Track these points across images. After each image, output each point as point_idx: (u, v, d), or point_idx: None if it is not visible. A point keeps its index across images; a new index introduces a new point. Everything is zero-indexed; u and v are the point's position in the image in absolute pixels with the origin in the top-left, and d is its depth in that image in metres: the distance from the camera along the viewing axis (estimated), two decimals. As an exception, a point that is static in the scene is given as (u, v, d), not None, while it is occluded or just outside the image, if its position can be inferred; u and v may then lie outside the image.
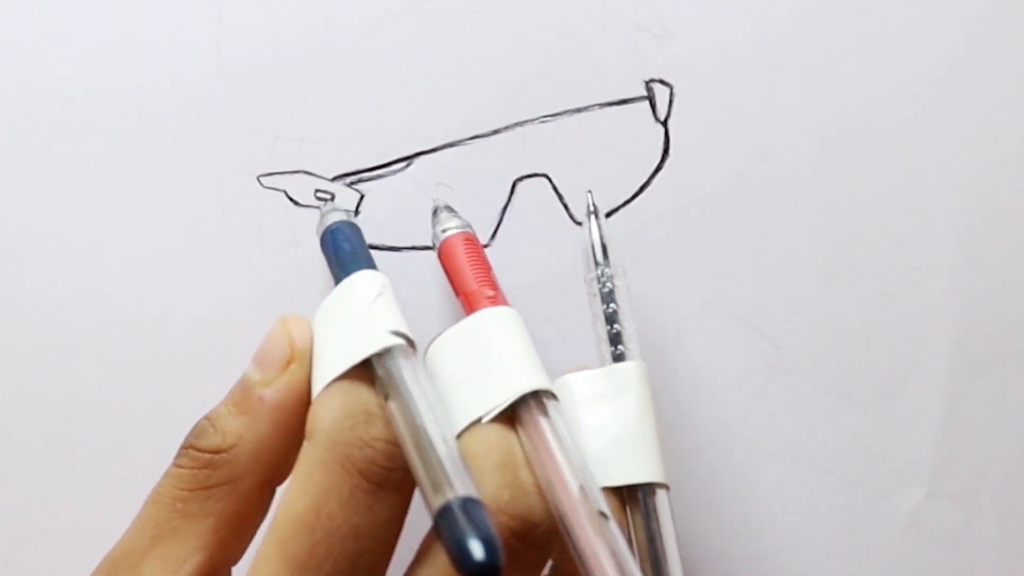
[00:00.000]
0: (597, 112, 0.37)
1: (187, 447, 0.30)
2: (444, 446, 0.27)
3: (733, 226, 0.37)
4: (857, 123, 0.38)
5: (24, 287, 0.36)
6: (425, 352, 0.32)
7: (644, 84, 0.37)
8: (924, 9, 0.38)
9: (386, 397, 0.28)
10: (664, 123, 0.37)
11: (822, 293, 0.37)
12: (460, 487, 0.25)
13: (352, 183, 0.37)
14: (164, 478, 0.30)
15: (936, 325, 0.38)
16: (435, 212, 0.35)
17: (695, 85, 0.37)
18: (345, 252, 0.33)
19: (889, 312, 0.38)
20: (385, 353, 0.29)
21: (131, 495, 0.36)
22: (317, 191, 0.36)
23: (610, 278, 0.33)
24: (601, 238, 0.34)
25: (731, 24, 0.37)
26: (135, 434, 0.36)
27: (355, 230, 0.34)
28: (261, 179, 0.37)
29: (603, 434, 0.31)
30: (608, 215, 0.37)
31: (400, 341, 0.29)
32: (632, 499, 0.31)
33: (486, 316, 0.31)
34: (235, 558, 0.31)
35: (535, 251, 0.37)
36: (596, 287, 0.33)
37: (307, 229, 0.36)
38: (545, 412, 0.29)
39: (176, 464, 0.30)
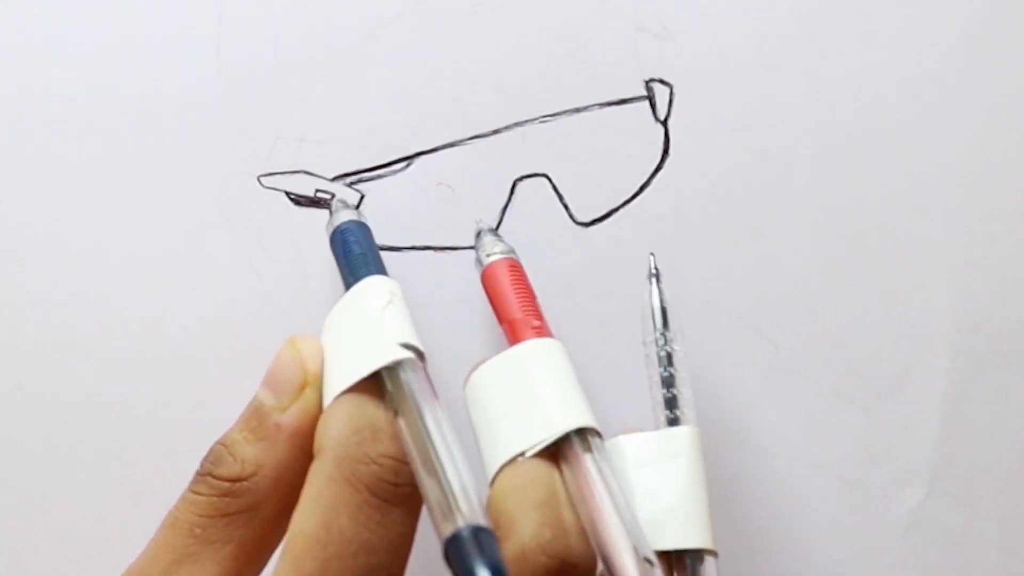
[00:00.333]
0: (597, 112, 0.37)
1: (205, 474, 0.29)
2: (453, 466, 0.26)
3: (733, 226, 0.37)
4: (857, 123, 0.38)
5: (24, 287, 0.36)
6: (467, 380, 0.31)
7: (644, 84, 0.37)
8: (924, 9, 0.38)
9: (395, 413, 0.28)
10: (664, 123, 0.37)
11: (822, 293, 0.37)
12: (470, 514, 0.25)
13: (352, 183, 0.37)
14: (181, 503, 0.30)
15: (936, 325, 0.38)
16: (478, 235, 0.35)
17: (695, 85, 0.37)
18: (355, 255, 0.32)
19: (889, 312, 0.38)
20: (395, 366, 0.29)
21: (131, 495, 0.36)
22: (317, 191, 0.36)
23: (669, 342, 0.33)
24: (662, 303, 0.33)
25: (731, 24, 0.37)
26: (135, 434, 0.36)
27: (365, 231, 0.34)
28: (261, 179, 0.37)
29: (654, 497, 0.30)
30: (608, 215, 0.37)
31: (409, 354, 0.29)
32: (680, 565, 0.30)
33: (532, 347, 0.31)
34: None
35: (535, 251, 0.37)
36: (654, 350, 0.33)
37: (307, 229, 0.36)
38: (590, 450, 0.29)
39: (193, 491, 0.29)
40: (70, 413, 0.36)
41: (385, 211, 0.36)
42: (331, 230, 0.34)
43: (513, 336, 0.32)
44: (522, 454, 0.29)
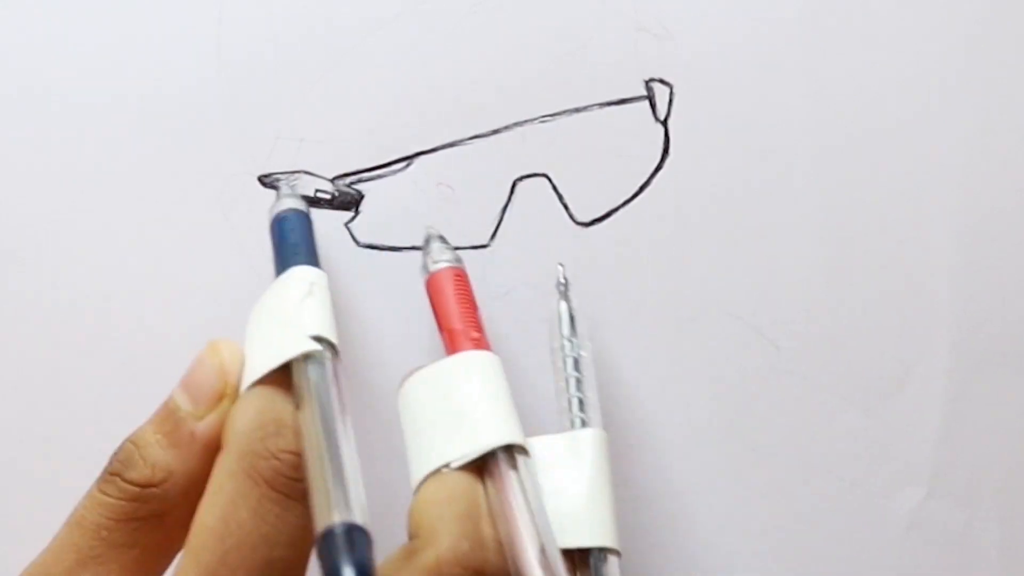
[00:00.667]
0: (597, 112, 0.37)
1: (114, 474, 0.29)
2: (338, 463, 0.26)
3: (733, 226, 0.37)
4: (857, 123, 0.38)
5: (24, 287, 0.36)
6: (400, 386, 0.31)
7: (644, 84, 0.37)
8: (924, 9, 0.38)
9: (297, 406, 0.28)
10: (664, 123, 0.37)
11: (822, 293, 0.37)
12: (347, 512, 0.25)
13: (352, 183, 0.37)
14: (88, 502, 0.29)
15: (936, 325, 0.38)
16: (427, 241, 0.35)
17: (695, 85, 0.37)
18: (287, 244, 0.32)
19: (889, 312, 0.38)
20: (303, 359, 0.28)
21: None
22: (317, 191, 0.36)
23: (576, 348, 0.33)
24: (570, 311, 0.34)
25: (731, 24, 0.37)
26: (135, 434, 0.36)
27: (303, 220, 0.33)
28: (261, 179, 0.37)
29: (559, 496, 0.30)
30: (608, 215, 0.37)
31: (317, 347, 0.28)
32: (583, 564, 0.30)
33: (468, 359, 0.31)
34: None
35: (535, 251, 0.37)
36: (562, 356, 0.33)
37: (307, 229, 0.36)
38: (515, 467, 0.29)
39: (101, 490, 0.29)
40: (70, 413, 0.36)
41: (385, 211, 0.36)
42: (270, 217, 0.34)
43: (452, 346, 0.32)
44: (447, 465, 0.29)
